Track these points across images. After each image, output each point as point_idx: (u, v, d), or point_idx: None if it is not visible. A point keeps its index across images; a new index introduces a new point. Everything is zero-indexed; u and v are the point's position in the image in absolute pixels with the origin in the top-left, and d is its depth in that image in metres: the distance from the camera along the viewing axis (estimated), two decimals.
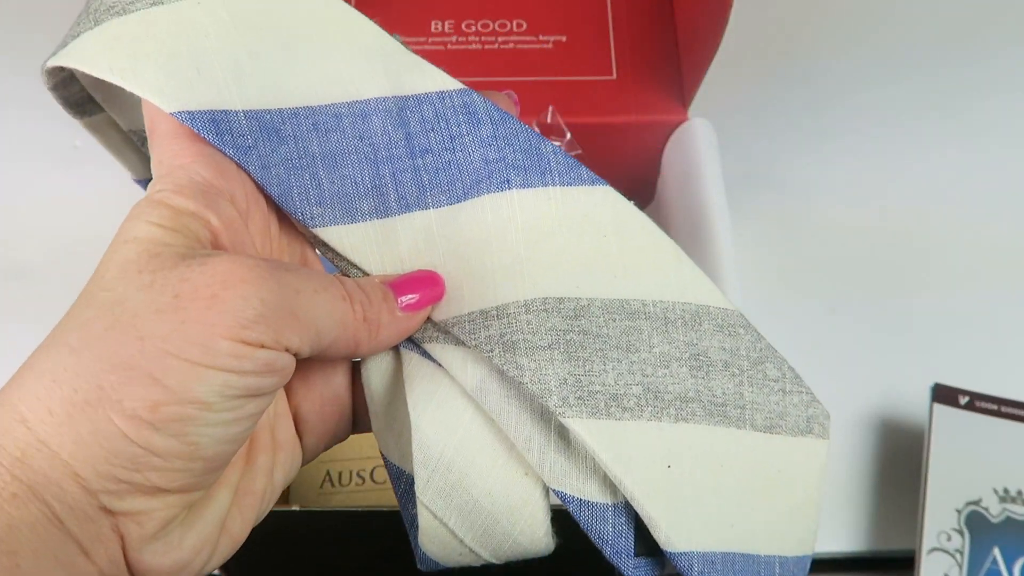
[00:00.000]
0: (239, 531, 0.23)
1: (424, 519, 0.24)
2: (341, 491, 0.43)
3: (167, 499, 0.20)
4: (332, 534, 0.38)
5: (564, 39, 0.49)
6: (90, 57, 0.23)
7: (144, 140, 0.30)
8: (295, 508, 0.36)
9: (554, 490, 0.23)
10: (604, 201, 0.25)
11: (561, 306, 0.24)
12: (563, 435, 0.24)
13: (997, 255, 0.52)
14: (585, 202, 0.25)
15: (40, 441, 0.19)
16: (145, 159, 0.32)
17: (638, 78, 0.47)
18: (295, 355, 0.21)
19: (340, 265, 0.25)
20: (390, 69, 0.25)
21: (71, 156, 0.53)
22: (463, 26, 0.49)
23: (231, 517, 0.23)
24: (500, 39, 0.49)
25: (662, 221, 0.49)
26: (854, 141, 0.55)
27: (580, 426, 0.23)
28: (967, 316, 0.50)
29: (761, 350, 0.25)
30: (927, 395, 0.44)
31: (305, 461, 0.26)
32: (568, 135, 0.44)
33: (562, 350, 0.23)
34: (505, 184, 0.24)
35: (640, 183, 0.51)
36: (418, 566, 0.25)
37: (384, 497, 0.43)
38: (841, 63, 0.57)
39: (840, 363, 0.49)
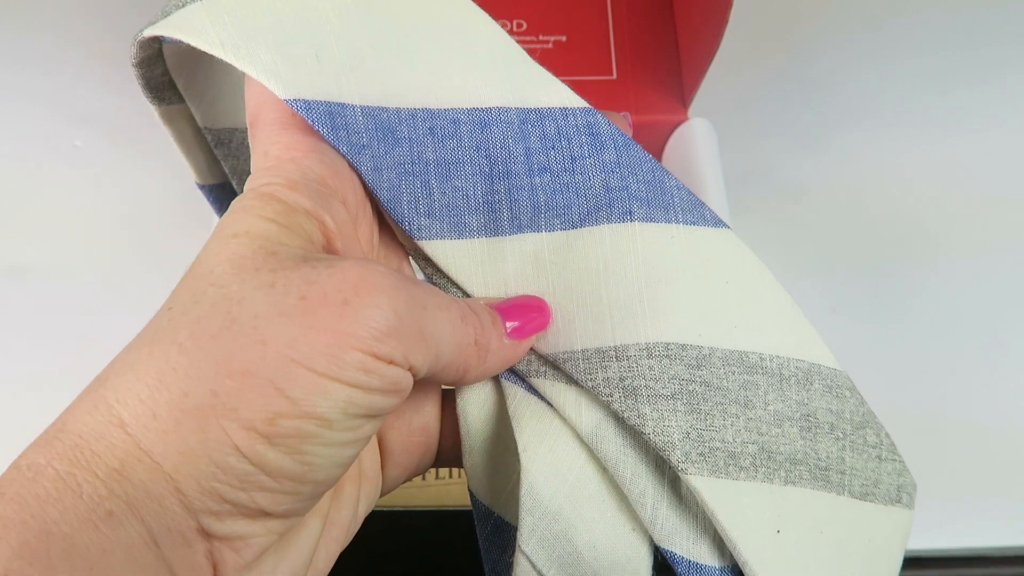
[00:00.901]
0: (324, 566, 0.21)
1: (522, 569, 0.22)
2: None
3: (268, 524, 0.18)
4: None
5: (564, 39, 0.49)
6: (198, 29, 0.21)
7: (219, 141, 0.29)
8: None
9: (663, 549, 0.22)
10: (727, 245, 0.24)
11: (684, 353, 0.22)
12: (675, 490, 0.22)
13: (1001, 252, 0.52)
14: (708, 245, 0.23)
15: (142, 450, 0.16)
16: (215, 161, 0.31)
17: (638, 78, 0.47)
18: (414, 376, 0.19)
19: (439, 283, 0.23)
20: (514, 77, 0.23)
21: (71, 155, 0.53)
22: None
23: (318, 549, 0.21)
24: None
25: None
26: (854, 141, 0.55)
27: (702, 484, 0.21)
28: (970, 315, 0.50)
29: (864, 414, 0.24)
30: (929, 399, 0.43)
31: (383, 494, 0.24)
32: None
33: (684, 401, 0.22)
34: (627, 216, 0.23)
35: None
36: None
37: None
38: (842, 63, 0.57)
39: (841, 363, 0.49)
